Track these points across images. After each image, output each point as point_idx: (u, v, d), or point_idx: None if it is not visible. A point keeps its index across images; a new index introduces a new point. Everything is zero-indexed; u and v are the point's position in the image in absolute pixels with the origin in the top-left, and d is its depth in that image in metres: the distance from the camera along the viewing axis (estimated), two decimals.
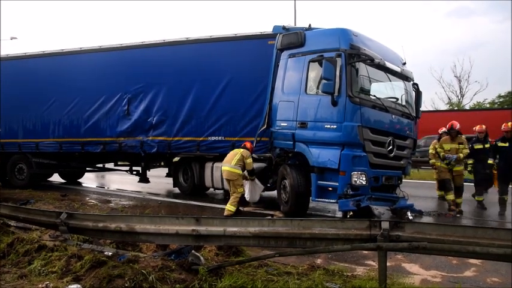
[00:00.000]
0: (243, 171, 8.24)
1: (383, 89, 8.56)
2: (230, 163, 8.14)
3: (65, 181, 14.52)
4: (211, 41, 10.15)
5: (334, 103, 7.52)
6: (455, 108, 35.62)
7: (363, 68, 7.80)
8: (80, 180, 14.92)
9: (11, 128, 12.26)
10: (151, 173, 12.48)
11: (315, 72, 8.02)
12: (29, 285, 4.31)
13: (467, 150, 9.32)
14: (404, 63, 9.13)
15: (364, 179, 7.51)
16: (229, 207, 8.08)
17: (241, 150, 8.29)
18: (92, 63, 11.57)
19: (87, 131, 11.41)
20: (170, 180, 11.85)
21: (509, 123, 9.33)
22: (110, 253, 5.12)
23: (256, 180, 8.70)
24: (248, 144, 8.51)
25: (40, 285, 4.20)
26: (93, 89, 11.34)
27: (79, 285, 4.20)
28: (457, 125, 9.38)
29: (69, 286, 4.20)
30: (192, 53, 10.28)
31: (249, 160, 8.18)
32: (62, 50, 12.17)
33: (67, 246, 5.24)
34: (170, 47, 10.59)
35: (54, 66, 12.05)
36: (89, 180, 14.64)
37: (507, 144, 9.24)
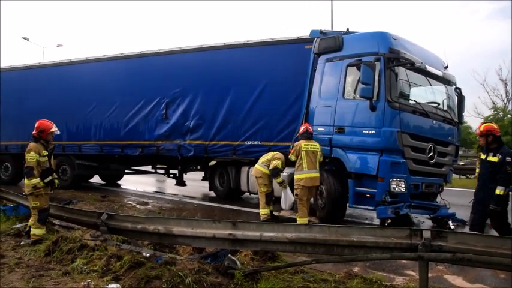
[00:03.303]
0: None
1: (423, 93, 8.33)
2: (260, 161, 8.20)
3: (104, 182, 14.98)
4: (248, 45, 10.21)
5: (373, 108, 7.38)
6: (501, 113, 33.94)
7: (402, 72, 7.62)
8: (119, 182, 15.34)
9: None
10: (187, 176, 12.67)
11: (353, 76, 7.90)
12: (71, 282, 4.46)
13: None
14: (446, 67, 8.84)
15: (403, 186, 7.31)
16: (260, 211, 8.09)
17: (276, 152, 8.29)
18: (132, 68, 11.89)
19: (126, 134, 11.73)
20: (206, 183, 11.97)
21: (482, 126, 6.54)
22: (148, 254, 5.24)
23: (288, 190, 8.11)
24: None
25: (82, 283, 4.33)
26: (132, 93, 11.65)
27: (118, 285, 4.30)
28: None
29: (109, 285, 4.31)
30: (229, 58, 10.38)
31: (276, 161, 7.87)
32: (104, 56, 12.60)
33: (107, 246, 5.39)
34: (207, 52, 10.73)
35: (96, 72, 12.49)
36: (127, 182, 15.02)
37: (483, 157, 6.40)
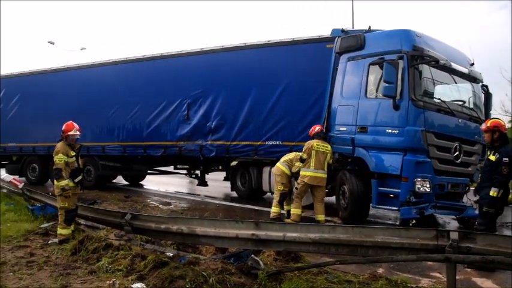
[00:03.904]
0: (291, 173, 8.06)
1: (448, 91, 8.15)
2: (282, 160, 8.25)
3: (127, 183, 15.21)
4: (268, 45, 10.20)
5: (396, 107, 7.26)
6: None
7: (426, 70, 7.48)
8: (141, 182, 15.54)
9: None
10: (209, 177, 12.74)
11: (375, 75, 7.80)
12: (97, 281, 4.54)
13: None
14: (472, 64, 8.62)
15: (428, 186, 7.17)
16: (272, 209, 8.14)
17: (299, 153, 8.27)
18: (153, 70, 12.05)
19: (149, 135, 11.88)
20: (227, 183, 12.02)
21: (490, 121, 5.97)
22: (171, 254, 5.29)
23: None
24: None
25: (108, 282, 4.41)
26: (154, 94, 11.79)
27: (143, 284, 4.35)
28: None
29: (134, 285, 4.37)
30: (250, 58, 10.39)
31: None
32: (126, 58, 12.80)
33: (131, 246, 5.47)
34: (228, 52, 10.77)
35: (119, 73, 12.73)
36: (149, 182, 15.21)
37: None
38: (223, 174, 12.49)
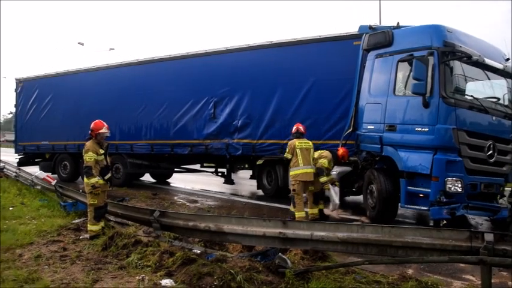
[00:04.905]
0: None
1: (481, 88, 7.88)
2: None
3: (155, 181, 15.45)
4: (294, 43, 10.16)
5: (426, 104, 7.09)
6: None
7: (458, 66, 7.27)
8: (168, 180, 15.75)
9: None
10: (235, 175, 12.79)
11: (404, 72, 7.64)
12: (127, 276, 4.63)
13: None
14: (508, 59, 8.31)
15: (459, 185, 6.96)
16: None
17: (323, 150, 8.36)
18: (180, 69, 12.20)
19: (176, 133, 12.04)
20: (253, 182, 12.04)
21: None
22: (199, 251, 5.34)
23: (331, 191, 8.26)
24: (340, 151, 8.45)
25: (137, 277, 4.49)
26: (181, 93, 11.94)
27: (172, 280, 4.41)
28: None
29: (163, 281, 4.43)
30: (276, 56, 10.38)
31: (323, 160, 8.09)
32: (153, 57, 13.00)
33: (159, 243, 5.55)
34: (254, 51, 10.78)
35: (146, 73, 12.93)
36: (176, 180, 15.40)
37: None
38: (249, 172, 12.51)
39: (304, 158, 7.77)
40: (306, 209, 8.06)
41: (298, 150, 7.80)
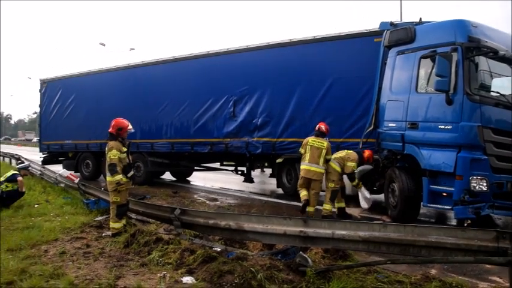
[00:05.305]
0: (342, 171, 8.12)
1: (508, 84, 7.66)
2: (332, 157, 8.21)
3: (175, 179, 15.59)
4: (314, 41, 10.08)
5: (450, 102, 6.93)
6: None
7: (483, 62, 7.07)
8: (188, 178, 15.87)
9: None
10: (255, 173, 12.80)
11: (427, 69, 7.49)
12: (149, 273, 4.69)
13: None
14: None
15: (484, 184, 6.78)
16: (324, 206, 8.12)
17: (351, 152, 8.29)
18: (200, 68, 12.24)
19: (196, 132, 12.12)
20: (273, 180, 12.01)
21: None
22: (219, 249, 5.36)
23: (363, 190, 8.58)
24: (366, 153, 8.44)
25: (159, 275, 4.54)
26: (201, 92, 12.01)
27: (193, 278, 4.44)
28: None
29: (184, 278, 4.47)
30: (296, 54, 10.32)
31: (351, 164, 8.07)
32: (173, 57, 13.12)
33: (180, 240, 5.59)
34: (274, 49, 10.75)
35: (166, 72, 13.06)
36: (196, 178, 15.51)
37: None
38: (269, 171, 12.49)
39: (311, 155, 7.83)
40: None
41: (308, 147, 7.91)
